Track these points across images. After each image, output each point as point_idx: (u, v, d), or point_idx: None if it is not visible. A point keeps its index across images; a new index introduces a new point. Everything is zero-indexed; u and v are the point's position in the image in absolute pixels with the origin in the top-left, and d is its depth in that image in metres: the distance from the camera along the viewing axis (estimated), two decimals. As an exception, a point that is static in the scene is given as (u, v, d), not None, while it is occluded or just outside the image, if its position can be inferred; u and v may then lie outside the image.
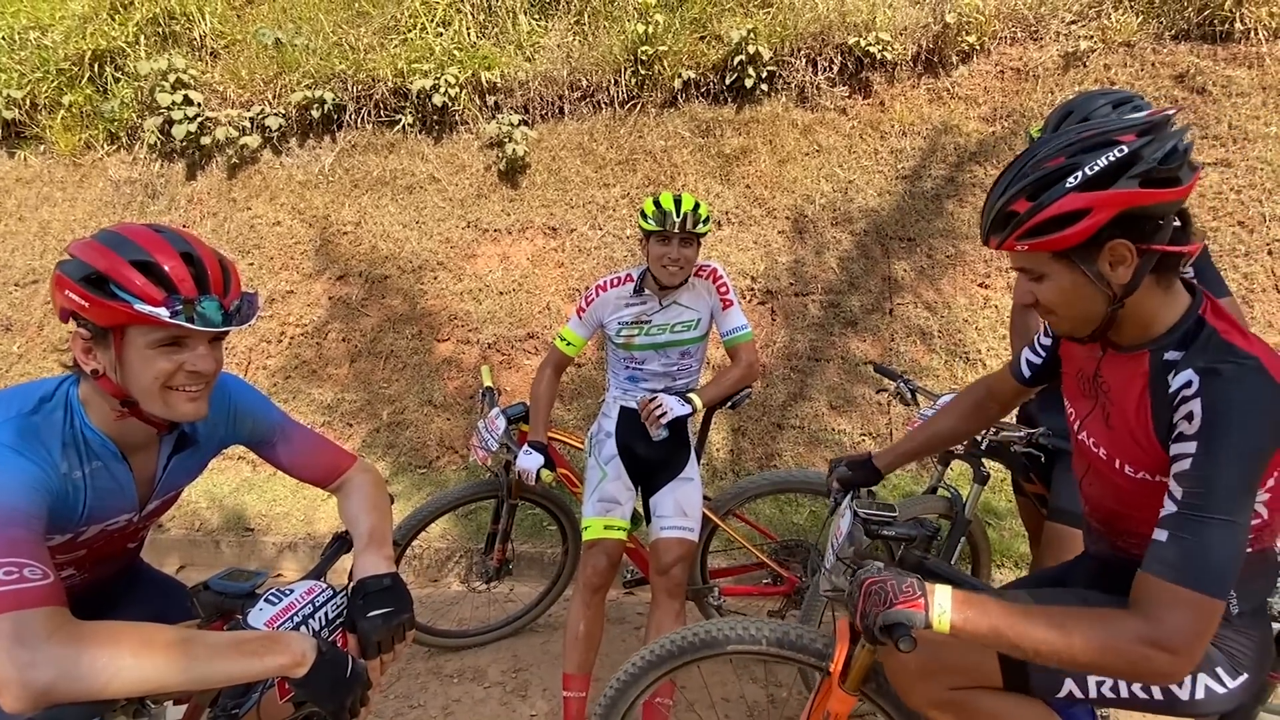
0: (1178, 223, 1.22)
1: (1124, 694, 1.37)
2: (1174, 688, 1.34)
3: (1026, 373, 1.70)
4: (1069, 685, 1.39)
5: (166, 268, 1.23)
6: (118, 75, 6.06)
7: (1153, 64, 4.89)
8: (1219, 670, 1.34)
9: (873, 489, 1.91)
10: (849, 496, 1.80)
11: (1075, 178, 1.18)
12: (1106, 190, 1.16)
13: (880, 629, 1.25)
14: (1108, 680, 1.36)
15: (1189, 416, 1.16)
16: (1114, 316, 1.27)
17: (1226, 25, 4.80)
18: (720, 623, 1.76)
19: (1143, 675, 1.15)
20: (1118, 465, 1.34)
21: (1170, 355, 1.25)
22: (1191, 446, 1.15)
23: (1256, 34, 4.76)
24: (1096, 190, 1.17)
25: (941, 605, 1.23)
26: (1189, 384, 1.17)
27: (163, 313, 1.21)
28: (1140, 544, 1.20)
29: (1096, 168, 1.17)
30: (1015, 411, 2.57)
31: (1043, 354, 1.67)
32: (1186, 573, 1.12)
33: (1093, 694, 1.38)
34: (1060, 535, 2.18)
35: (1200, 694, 1.34)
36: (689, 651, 1.74)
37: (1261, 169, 4.50)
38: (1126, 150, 1.16)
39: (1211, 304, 1.28)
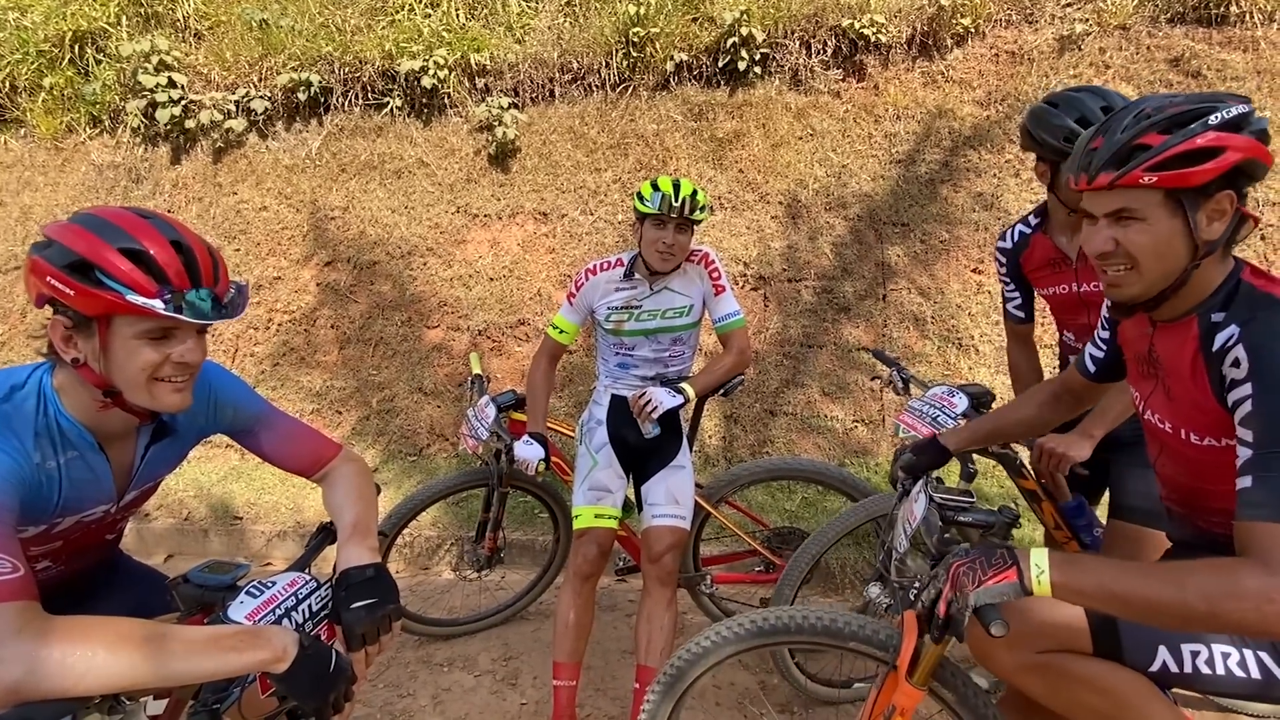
0: None
1: (1219, 670, 1.31)
2: (1272, 666, 1.30)
3: (1091, 368, 1.69)
4: (1163, 656, 1.33)
5: (158, 257, 1.20)
6: (99, 57, 5.94)
7: (1148, 47, 4.86)
8: None
9: (941, 477, 1.86)
10: (921, 482, 1.74)
11: (1216, 117, 1.21)
12: (1239, 134, 1.20)
13: (972, 611, 1.22)
14: (1203, 652, 1.31)
15: (1236, 363, 1.19)
16: (1183, 283, 1.28)
17: (1222, 9, 4.77)
18: (782, 611, 1.70)
19: (1270, 623, 1.06)
20: (1184, 435, 1.34)
21: (1215, 316, 1.27)
22: (1247, 389, 1.17)
23: (1251, 17, 4.73)
24: (1233, 133, 1.20)
25: (1039, 566, 1.20)
26: (1231, 336, 1.21)
27: (157, 305, 1.18)
28: (1222, 520, 1.19)
29: (1232, 113, 1.21)
30: None
31: (1104, 347, 1.64)
32: None
33: (1188, 668, 1.32)
34: (1124, 533, 2.13)
35: None
36: (753, 638, 1.69)
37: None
38: (1243, 109, 1.23)
39: (1250, 267, 1.31)
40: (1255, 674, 1.31)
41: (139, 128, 5.76)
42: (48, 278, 1.18)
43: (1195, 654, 1.32)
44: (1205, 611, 1.09)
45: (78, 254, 1.17)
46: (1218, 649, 1.32)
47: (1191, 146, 1.20)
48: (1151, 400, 1.44)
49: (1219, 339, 1.23)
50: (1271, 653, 1.31)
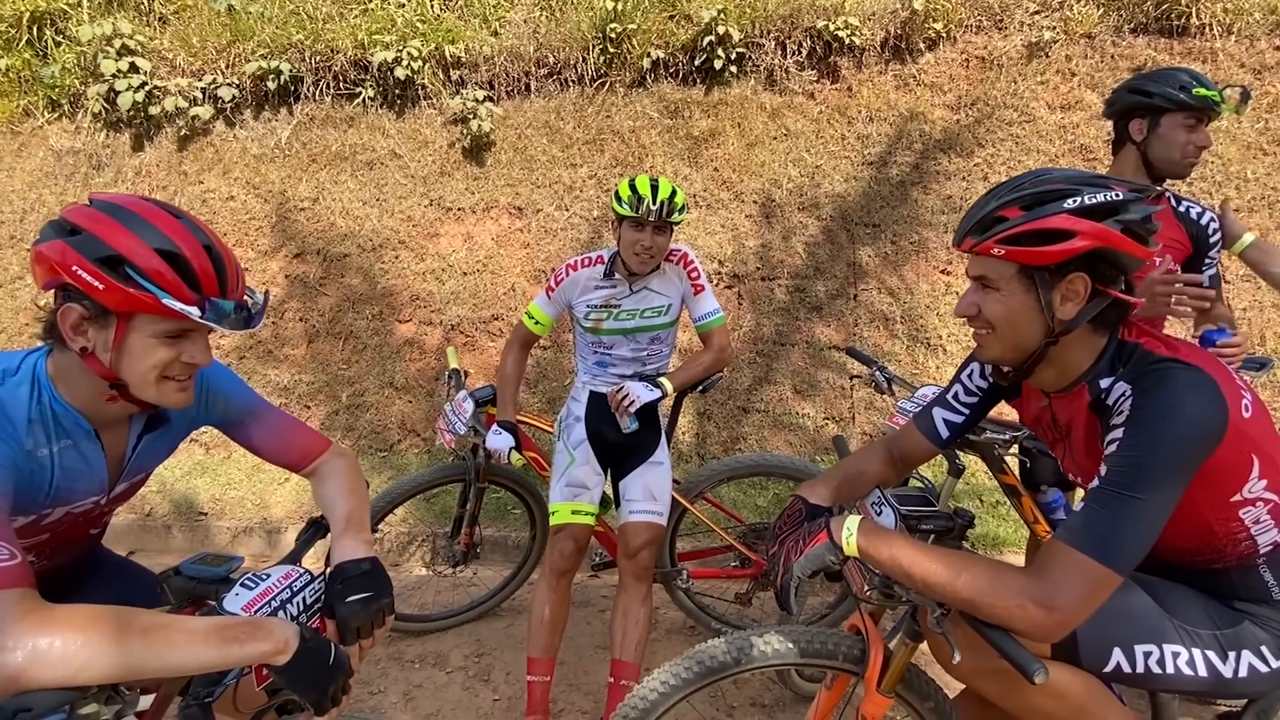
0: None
1: (1169, 669, 1.36)
2: (1219, 664, 1.35)
3: (945, 434, 1.69)
4: (1117, 657, 1.37)
5: (193, 262, 1.20)
6: (59, 39, 5.76)
7: (1112, 56, 5.00)
8: (1264, 649, 1.36)
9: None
10: (879, 493, 1.60)
11: (1073, 200, 1.26)
12: (1096, 222, 1.25)
13: (797, 581, 1.36)
14: (1154, 653, 1.36)
15: (1121, 412, 1.26)
16: (1042, 355, 1.36)
17: (1182, 20, 4.93)
18: (745, 637, 1.60)
19: (1018, 625, 1.20)
20: None
21: (1104, 381, 1.34)
22: (1120, 433, 1.24)
23: (1211, 29, 4.90)
24: (1087, 219, 1.25)
25: (849, 530, 1.35)
26: (1124, 393, 1.28)
27: (194, 312, 1.18)
28: (1163, 552, 1.27)
29: (1094, 200, 1.26)
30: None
31: (965, 412, 1.67)
32: (1086, 539, 1.19)
33: (1140, 669, 1.37)
34: None
35: (1244, 672, 1.35)
36: (719, 671, 1.58)
37: (1212, 162, 4.64)
38: (1120, 196, 1.27)
39: (1137, 328, 1.38)
40: (1203, 672, 1.36)
41: (100, 113, 5.59)
42: (74, 267, 1.14)
43: (1148, 654, 1.37)
44: (967, 600, 1.23)
45: (112, 249, 1.15)
46: (1168, 649, 1.37)
47: (1042, 226, 1.26)
48: (1066, 462, 1.54)
49: (1112, 395, 1.30)
50: (1218, 652, 1.37)
